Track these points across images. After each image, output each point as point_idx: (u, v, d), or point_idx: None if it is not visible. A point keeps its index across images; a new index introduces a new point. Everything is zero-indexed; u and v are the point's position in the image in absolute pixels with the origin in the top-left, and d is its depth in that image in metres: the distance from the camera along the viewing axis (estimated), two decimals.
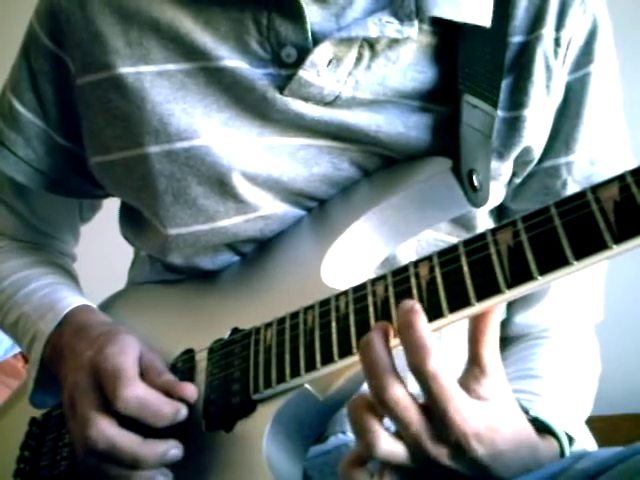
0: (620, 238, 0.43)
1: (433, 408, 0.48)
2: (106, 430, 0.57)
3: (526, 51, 0.64)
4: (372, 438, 0.48)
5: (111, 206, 0.82)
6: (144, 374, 0.60)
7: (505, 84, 0.65)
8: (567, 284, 0.73)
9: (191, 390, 0.60)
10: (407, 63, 0.63)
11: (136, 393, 0.57)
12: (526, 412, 0.56)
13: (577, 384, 0.70)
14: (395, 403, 0.48)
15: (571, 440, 0.59)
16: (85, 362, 0.61)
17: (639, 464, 0.45)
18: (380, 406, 0.49)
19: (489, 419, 0.49)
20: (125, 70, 0.65)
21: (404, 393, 0.48)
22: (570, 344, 0.74)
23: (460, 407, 0.47)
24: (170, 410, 0.58)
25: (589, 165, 0.68)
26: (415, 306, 0.49)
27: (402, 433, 0.49)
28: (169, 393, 0.59)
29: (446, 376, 0.48)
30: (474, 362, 0.51)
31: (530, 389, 0.66)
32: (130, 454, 0.56)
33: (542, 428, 0.56)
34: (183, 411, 0.58)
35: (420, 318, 0.48)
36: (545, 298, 0.74)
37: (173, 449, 0.57)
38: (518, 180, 0.70)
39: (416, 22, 0.61)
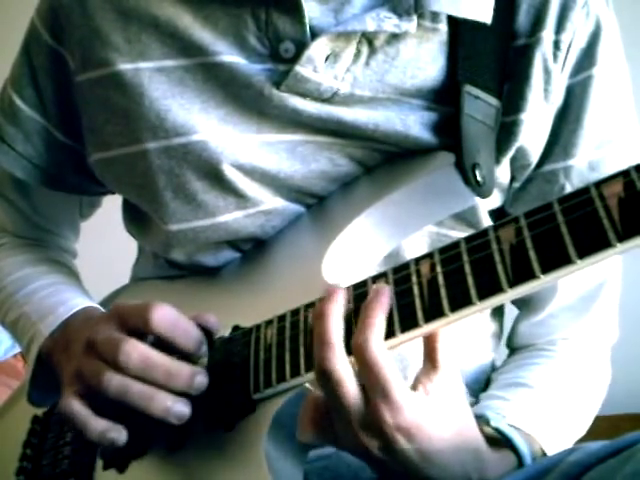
0: (624, 236, 0.43)
1: (368, 394, 0.48)
2: (139, 344, 0.57)
3: (525, 54, 0.64)
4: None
5: (112, 203, 0.82)
6: None
7: (504, 87, 0.64)
8: (578, 298, 0.72)
9: (213, 318, 0.60)
10: (407, 60, 0.63)
11: (167, 312, 0.58)
12: (487, 423, 0.57)
13: (570, 405, 0.69)
14: (331, 373, 0.48)
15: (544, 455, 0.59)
16: (102, 316, 0.62)
17: (631, 454, 0.45)
18: (319, 377, 0.49)
19: (425, 416, 0.49)
20: (124, 66, 0.65)
21: (345, 368, 0.49)
22: (575, 364, 0.72)
23: (393, 397, 0.47)
24: (198, 334, 0.59)
25: (589, 170, 0.66)
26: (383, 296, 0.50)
27: (334, 415, 0.49)
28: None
29: (387, 364, 0.48)
30: (427, 357, 0.52)
31: (509, 396, 0.65)
32: (164, 367, 0.56)
33: (503, 440, 0.56)
34: (204, 347, 0.59)
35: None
36: (549, 307, 0.72)
37: (200, 374, 0.57)
38: (517, 184, 0.68)
39: (415, 17, 0.60)
